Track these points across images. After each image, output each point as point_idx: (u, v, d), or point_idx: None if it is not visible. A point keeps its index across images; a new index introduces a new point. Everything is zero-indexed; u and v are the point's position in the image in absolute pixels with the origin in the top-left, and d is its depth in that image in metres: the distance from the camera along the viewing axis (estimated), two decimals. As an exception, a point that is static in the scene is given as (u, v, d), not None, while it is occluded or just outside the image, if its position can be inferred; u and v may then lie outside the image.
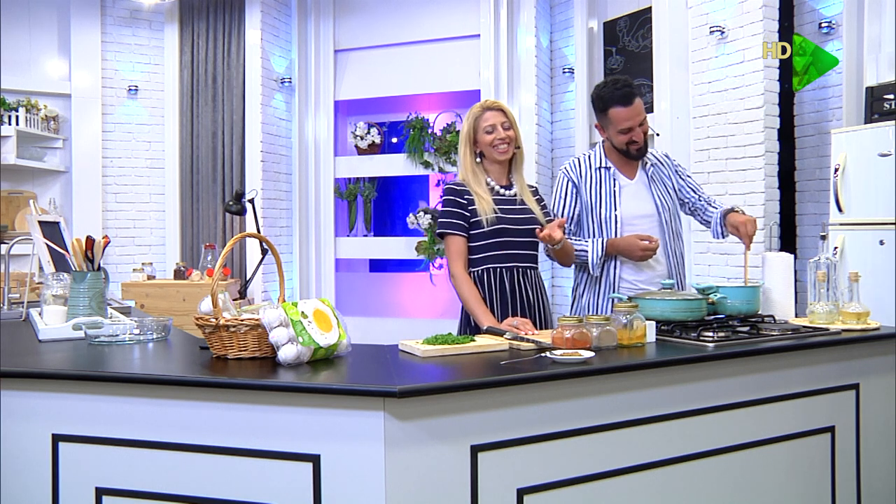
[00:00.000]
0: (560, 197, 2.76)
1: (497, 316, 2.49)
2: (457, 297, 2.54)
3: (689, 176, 2.90)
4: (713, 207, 2.84)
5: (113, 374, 1.73)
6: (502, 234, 2.52)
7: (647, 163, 2.79)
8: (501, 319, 2.50)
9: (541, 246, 2.66)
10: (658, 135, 2.85)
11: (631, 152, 2.70)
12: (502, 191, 2.59)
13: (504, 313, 2.51)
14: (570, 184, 2.75)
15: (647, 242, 2.61)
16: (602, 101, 2.67)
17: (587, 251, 2.67)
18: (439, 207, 2.62)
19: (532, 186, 2.68)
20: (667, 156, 2.90)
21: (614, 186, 2.71)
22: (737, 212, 2.69)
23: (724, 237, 2.79)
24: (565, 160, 5.59)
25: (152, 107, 5.95)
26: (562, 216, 2.72)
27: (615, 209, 2.69)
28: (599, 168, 2.74)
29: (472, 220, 2.52)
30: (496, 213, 2.51)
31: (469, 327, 2.53)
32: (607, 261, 2.69)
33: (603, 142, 2.79)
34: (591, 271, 2.69)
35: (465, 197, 2.53)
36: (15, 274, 3.91)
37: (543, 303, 2.63)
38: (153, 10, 5.91)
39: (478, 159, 2.59)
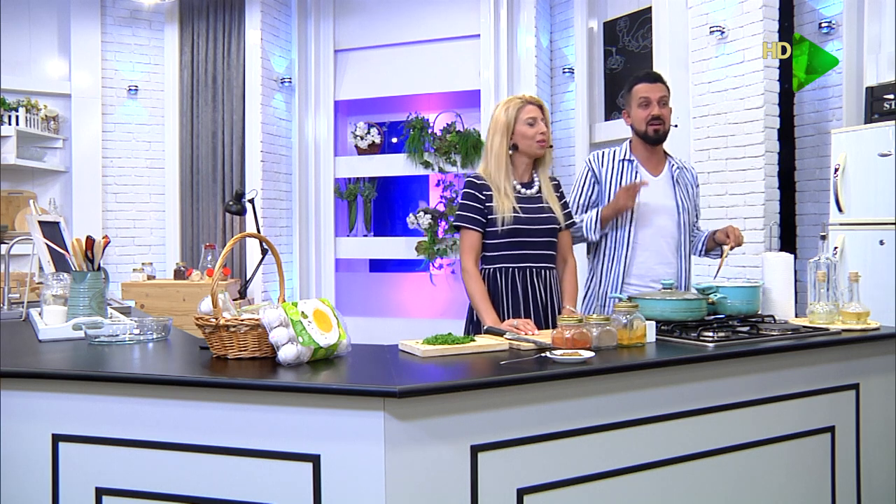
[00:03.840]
0: (578, 186, 2.81)
1: (507, 316, 2.47)
2: (458, 296, 2.53)
3: (698, 196, 2.93)
4: (698, 230, 2.94)
5: (113, 374, 1.73)
6: (517, 234, 2.49)
7: (674, 164, 2.82)
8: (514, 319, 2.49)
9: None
10: (676, 126, 2.90)
11: (649, 133, 2.71)
12: (523, 189, 2.54)
13: (515, 313, 2.48)
14: (590, 174, 2.79)
15: (630, 189, 2.62)
16: (630, 82, 2.77)
17: (582, 227, 2.71)
18: (458, 199, 2.59)
19: (554, 180, 2.64)
20: (693, 168, 2.96)
21: (634, 178, 2.72)
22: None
23: (701, 255, 2.93)
24: (565, 160, 5.65)
25: (152, 107, 5.95)
26: (576, 204, 2.78)
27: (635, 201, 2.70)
28: (623, 160, 2.76)
29: (489, 216, 2.49)
30: (515, 212, 2.47)
31: (473, 325, 2.52)
32: (620, 253, 2.70)
33: (630, 140, 2.81)
34: (587, 237, 2.71)
35: (485, 192, 2.49)
36: (15, 274, 3.91)
37: (556, 303, 2.57)
38: (153, 10, 5.91)
39: (510, 151, 2.53)
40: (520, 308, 2.50)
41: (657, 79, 2.75)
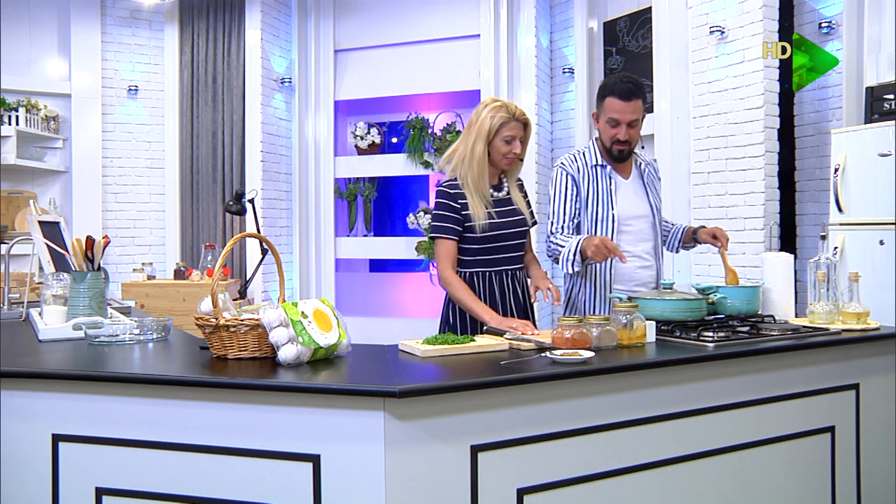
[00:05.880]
0: (561, 195, 2.67)
1: None
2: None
3: (660, 188, 2.90)
4: (668, 223, 2.90)
5: (113, 374, 1.73)
6: (494, 239, 2.51)
7: (641, 163, 2.79)
8: None
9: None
10: (643, 147, 2.84)
11: (612, 151, 2.66)
12: (494, 192, 2.56)
13: None
14: (570, 180, 2.67)
15: (610, 248, 2.40)
16: (604, 88, 2.65)
17: (561, 250, 2.57)
18: (433, 208, 2.58)
19: (518, 181, 2.66)
20: (655, 161, 2.93)
21: (610, 185, 2.68)
22: (704, 227, 2.77)
23: (677, 251, 2.89)
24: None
25: (152, 107, 5.95)
26: (562, 214, 2.66)
27: (612, 208, 2.66)
28: (595, 166, 2.69)
29: (465, 223, 2.50)
30: (491, 217, 2.49)
31: (448, 325, 2.53)
32: (600, 264, 2.65)
33: (596, 138, 2.75)
34: (561, 268, 2.57)
35: (460, 200, 2.50)
36: (15, 274, 3.91)
37: (529, 304, 2.62)
38: (153, 10, 5.91)
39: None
40: (497, 311, 2.48)
41: (631, 95, 2.57)
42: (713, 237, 2.67)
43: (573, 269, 2.53)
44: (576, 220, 2.68)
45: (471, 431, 1.62)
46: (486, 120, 2.49)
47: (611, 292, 2.62)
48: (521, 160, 2.61)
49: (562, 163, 2.72)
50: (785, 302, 2.45)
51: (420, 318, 5.92)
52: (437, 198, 2.54)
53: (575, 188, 2.68)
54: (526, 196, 2.66)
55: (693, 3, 4.48)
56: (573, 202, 2.67)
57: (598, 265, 2.65)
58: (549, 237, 2.69)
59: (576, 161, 2.71)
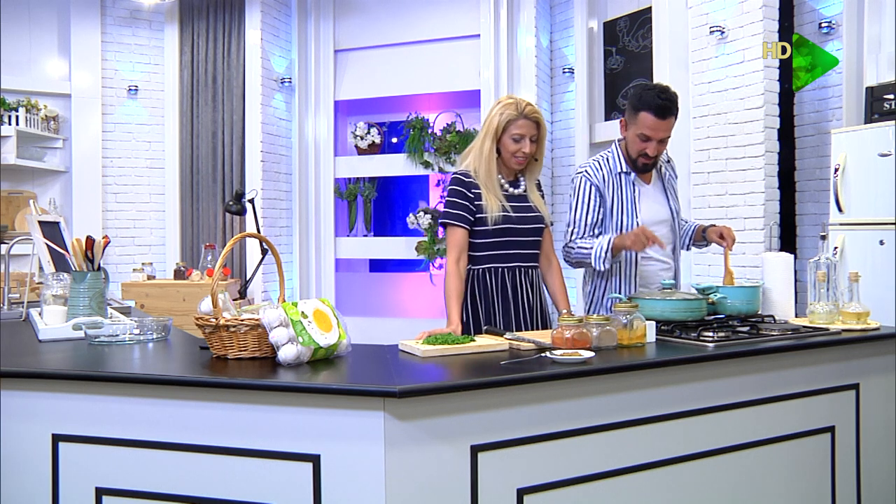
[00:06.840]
0: (584, 203, 2.66)
1: (498, 316, 2.48)
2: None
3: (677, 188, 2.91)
4: (682, 220, 2.90)
5: (113, 374, 1.73)
6: (507, 233, 2.50)
7: (660, 165, 2.79)
8: (503, 320, 2.49)
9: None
10: (669, 161, 2.87)
11: (638, 163, 2.67)
12: (509, 188, 2.55)
13: (505, 313, 2.50)
14: (594, 190, 2.66)
15: (648, 236, 2.49)
16: (640, 100, 2.59)
17: (590, 251, 2.59)
18: (445, 196, 2.57)
19: (535, 181, 2.65)
20: (672, 159, 2.92)
21: (634, 192, 2.68)
22: (714, 225, 2.78)
23: (688, 249, 2.91)
24: (565, 160, 5.64)
25: (152, 107, 5.95)
26: (583, 223, 2.65)
27: (636, 216, 2.65)
28: (620, 173, 2.68)
29: (477, 214, 2.48)
30: (505, 210, 2.48)
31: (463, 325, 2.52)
32: (630, 269, 2.66)
33: (619, 141, 2.74)
34: (593, 264, 2.58)
35: (473, 190, 2.48)
36: (15, 274, 3.91)
37: (542, 302, 2.62)
38: (153, 10, 5.91)
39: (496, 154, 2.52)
40: (509, 308, 2.50)
41: (667, 113, 2.56)
42: (720, 236, 2.68)
43: (604, 266, 2.57)
44: (597, 230, 2.67)
45: (471, 431, 1.62)
46: (495, 117, 2.48)
47: (636, 291, 2.64)
48: (537, 160, 2.58)
49: (586, 171, 2.69)
50: (785, 302, 2.45)
51: (420, 318, 5.91)
52: (450, 184, 2.52)
53: (599, 198, 2.67)
54: (543, 196, 2.65)
55: (693, 3, 4.48)
56: (596, 212, 2.66)
57: (623, 266, 2.67)
58: (567, 244, 2.69)
59: (601, 169, 2.69)
